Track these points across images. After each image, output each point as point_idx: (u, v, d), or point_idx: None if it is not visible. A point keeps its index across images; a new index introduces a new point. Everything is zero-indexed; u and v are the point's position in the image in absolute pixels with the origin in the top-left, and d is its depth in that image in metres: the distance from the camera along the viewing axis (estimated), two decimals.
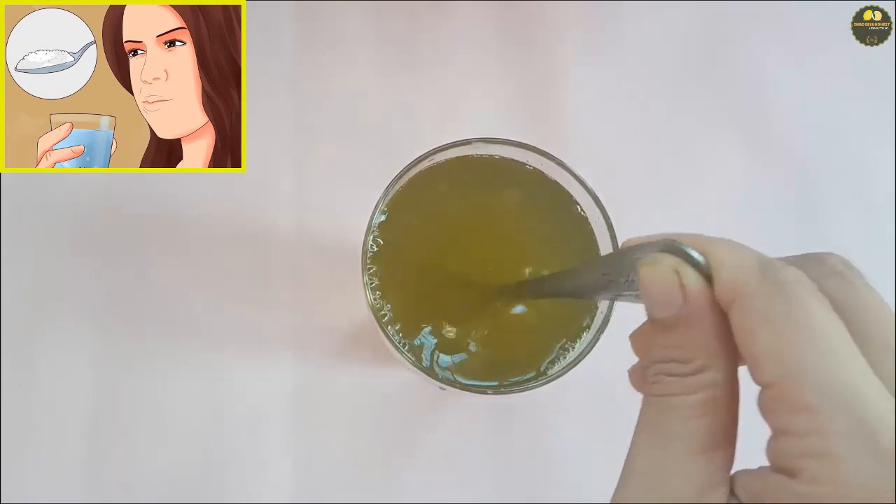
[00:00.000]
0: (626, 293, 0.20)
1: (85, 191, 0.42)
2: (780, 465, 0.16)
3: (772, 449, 0.16)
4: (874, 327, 0.17)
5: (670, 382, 0.18)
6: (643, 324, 0.21)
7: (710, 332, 0.17)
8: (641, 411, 0.19)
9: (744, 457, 0.18)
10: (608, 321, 0.29)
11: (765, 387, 0.16)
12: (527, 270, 0.31)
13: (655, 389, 0.18)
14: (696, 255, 0.18)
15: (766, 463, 0.17)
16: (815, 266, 0.18)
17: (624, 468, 0.18)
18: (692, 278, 0.18)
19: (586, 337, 0.30)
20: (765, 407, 0.16)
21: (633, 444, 0.18)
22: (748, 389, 0.18)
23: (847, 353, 0.16)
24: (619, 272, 0.20)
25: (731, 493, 0.17)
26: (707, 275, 0.18)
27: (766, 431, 0.17)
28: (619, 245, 0.22)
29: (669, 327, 0.18)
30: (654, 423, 0.18)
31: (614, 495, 0.18)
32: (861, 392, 0.15)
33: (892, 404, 0.15)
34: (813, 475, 0.15)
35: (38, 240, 0.41)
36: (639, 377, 0.22)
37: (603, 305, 0.30)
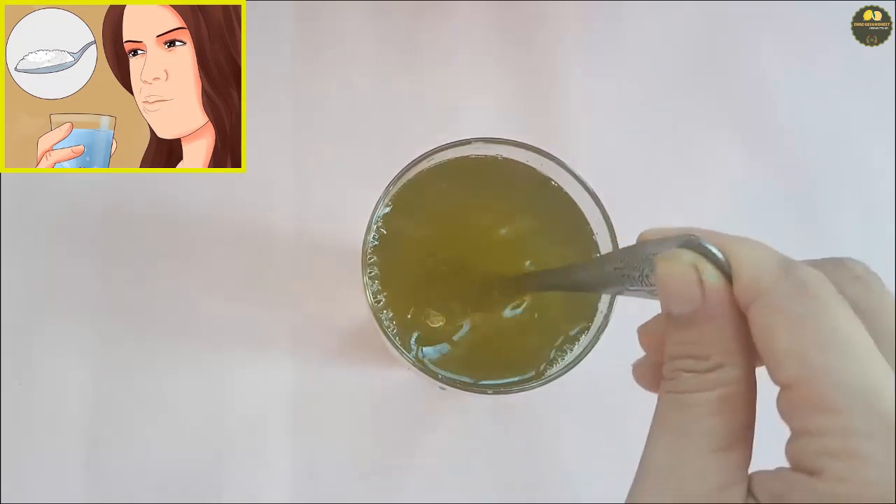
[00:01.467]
0: (639, 288, 0.20)
1: (85, 191, 0.42)
2: (802, 465, 0.16)
3: (792, 449, 0.16)
4: (894, 330, 0.17)
5: (687, 379, 0.18)
6: (653, 318, 0.21)
7: (729, 330, 0.17)
8: (657, 408, 0.19)
9: (758, 459, 0.18)
10: (608, 321, 0.29)
11: (785, 387, 0.16)
12: (527, 270, 0.31)
13: (672, 386, 0.18)
14: (716, 251, 0.18)
15: (781, 464, 0.17)
16: (836, 270, 0.18)
17: (639, 466, 0.18)
18: (712, 275, 0.17)
19: (586, 337, 0.30)
20: (785, 407, 0.16)
21: (648, 441, 0.18)
22: (763, 393, 0.18)
23: (869, 355, 0.16)
24: (633, 266, 0.20)
25: (749, 492, 0.17)
26: (726, 272, 0.18)
27: (781, 434, 0.17)
28: (637, 238, 0.21)
29: (686, 324, 0.18)
30: (671, 420, 0.18)
31: (630, 493, 0.18)
32: (884, 393, 0.15)
33: None
34: (836, 474, 0.15)
35: (38, 240, 0.41)
36: (644, 372, 0.22)
37: (603, 306, 0.30)
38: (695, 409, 0.17)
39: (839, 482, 0.15)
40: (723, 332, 0.17)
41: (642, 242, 0.21)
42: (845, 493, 0.15)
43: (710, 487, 0.17)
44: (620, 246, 0.29)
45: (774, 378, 0.17)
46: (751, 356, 0.17)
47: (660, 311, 0.20)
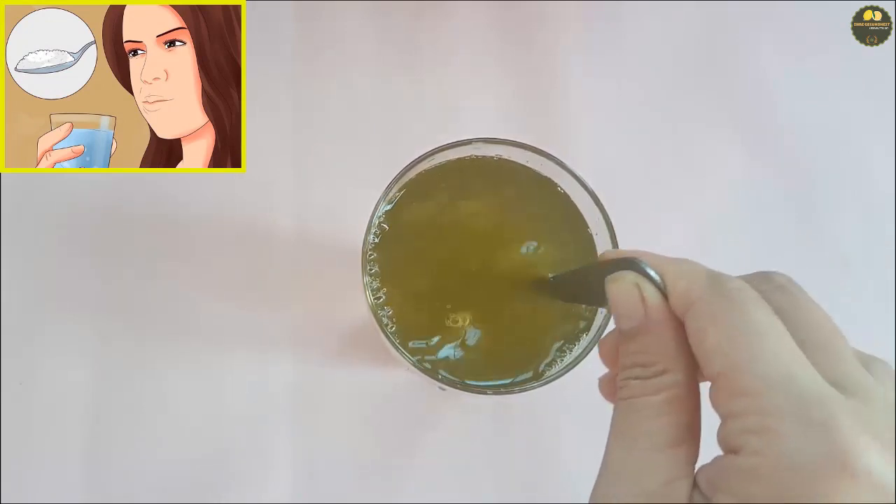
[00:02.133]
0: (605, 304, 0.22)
1: (85, 191, 0.42)
2: (727, 446, 0.17)
3: (720, 433, 0.18)
4: (813, 331, 0.19)
5: (634, 385, 0.20)
6: (608, 333, 0.23)
7: (669, 339, 0.20)
8: (613, 415, 0.21)
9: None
10: (608, 321, 0.29)
11: (713, 380, 0.18)
12: (526, 271, 0.31)
13: (623, 393, 0.20)
14: (652, 272, 0.20)
15: None
16: (762, 281, 0.20)
17: (601, 465, 0.20)
18: (650, 292, 0.20)
19: (586, 337, 0.30)
20: (714, 398, 0.18)
21: (607, 443, 0.20)
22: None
23: (783, 346, 0.18)
24: (598, 283, 0.22)
25: (695, 485, 0.18)
26: (662, 289, 0.20)
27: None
28: (599, 257, 0.24)
29: (633, 336, 0.20)
30: (623, 423, 0.20)
31: (593, 489, 0.20)
32: (795, 375, 0.17)
33: (825, 386, 0.17)
34: (754, 448, 0.16)
35: (38, 240, 0.41)
36: (606, 386, 0.24)
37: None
38: (643, 413, 0.19)
39: (755, 455, 0.16)
40: (664, 341, 0.20)
41: (602, 261, 0.23)
42: (761, 464, 0.16)
43: (659, 482, 0.18)
44: (620, 247, 0.29)
45: (705, 373, 0.19)
46: (691, 363, 0.19)
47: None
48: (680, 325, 0.20)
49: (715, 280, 0.19)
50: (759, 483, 0.16)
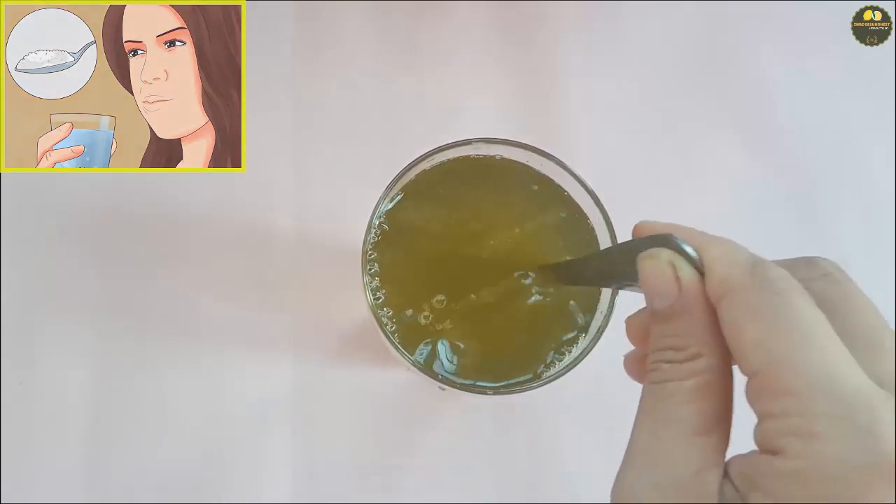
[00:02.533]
0: (633, 283, 0.21)
1: (85, 191, 0.42)
2: (766, 446, 0.17)
3: (758, 432, 0.17)
4: (860, 324, 0.18)
5: (667, 369, 0.19)
6: (639, 311, 0.22)
7: (704, 322, 0.19)
8: (641, 398, 0.20)
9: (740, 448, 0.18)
10: (608, 322, 0.29)
11: (751, 376, 0.17)
12: (525, 271, 0.31)
13: (653, 377, 0.19)
14: (690, 249, 0.19)
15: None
16: (805, 268, 0.19)
17: (626, 451, 0.19)
18: (686, 271, 0.19)
19: (586, 337, 0.30)
20: (751, 395, 0.17)
21: (634, 428, 0.19)
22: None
23: (828, 342, 0.17)
24: (628, 262, 0.21)
25: (725, 475, 0.18)
26: (700, 269, 0.19)
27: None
28: (632, 230, 0.23)
29: (666, 317, 0.19)
30: (653, 408, 0.19)
31: (616, 477, 0.19)
32: (840, 376, 0.16)
33: (872, 388, 0.16)
34: (795, 452, 0.16)
35: (38, 240, 0.41)
36: (633, 364, 0.23)
37: (602, 306, 0.30)
38: (674, 398, 0.18)
39: (796, 458, 0.16)
40: (698, 323, 0.19)
41: (634, 240, 0.22)
42: (802, 468, 0.16)
43: (688, 471, 0.18)
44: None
45: (742, 369, 0.18)
46: (726, 347, 0.18)
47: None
48: (713, 309, 0.19)
49: (757, 267, 0.18)
50: (800, 487, 0.16)
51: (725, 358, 0.19)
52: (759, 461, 0.17)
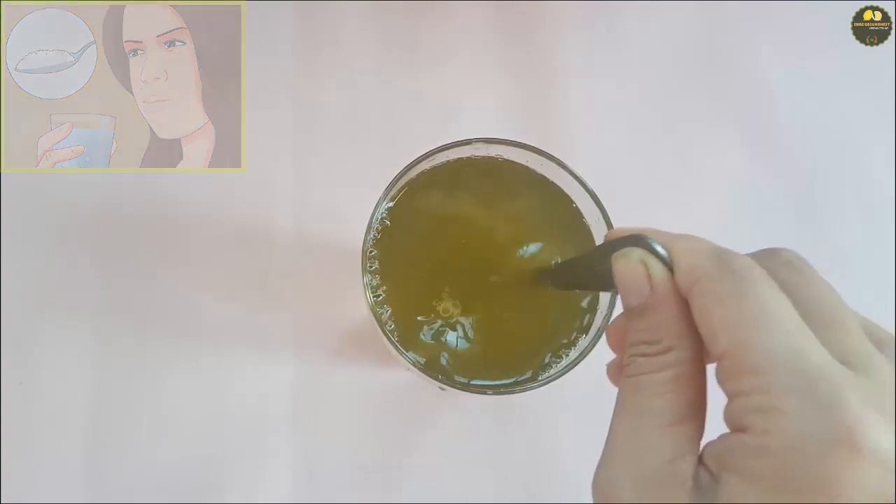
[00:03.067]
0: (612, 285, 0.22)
1: (85, 191, 0.42)
2: (734, 425, 0.17)
3: (727, 412, 0.18)
4: (821, 306, 0.18)
5: (641, 363, 0.20)
6: (617, 317, 0.23)
7: (674, 315, 0.19)
8: (618, 392, 0.21)
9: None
10: (608, 322, 0.29)
11: (720, 358, 0.18)
12: (526, 271, 0.31)
13: (628, 371, 0.20)
14: (659, 248, 0.20)
15: None
16: (769, 258, 0.20)
17: (604, 445, 0.20)
18: (657, 268, 0.20)
19: (586, 337, 0.30)
20: (721, 376, 0.18)
21: (611, 422, 0.20)
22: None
23: (790, 322, 0.17)
24: (604, 264, 0.22)
25: (700, 462, 0.18)
26: (669, 266, 0.20)
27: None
28: (604, 237, 0.24)
29: (639, 313, 0.20)
30: (628, 401, 0.20)
31: (596, 470, 0.20)
32: (803, 354, 0.17)
33: (834, 364, 0.17)
34: (761, 427, 0.16)
35: (38, 240, 0.41)
36: (615, 371, 0.24)
37: (603, 305, 0.30)
38: (648, 390, 0.19)
39: (762, 434, 0.16)
40: (670, 318, 0.19)
41: (608, 241, 0.23)
42: (768, 443, 0.16)
43: (663, 460, 0.18)
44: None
45: (711, 352, 0.18)
46: (698, 340, 0.19)
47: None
48: (686, 303, 0.19)
49: (721, 257, 0.19)
50: (766, 461, 0.16)
51: (697, 351, 0.19)
52: (729, 440, 0.17)
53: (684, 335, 0.19)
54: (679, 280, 0.19)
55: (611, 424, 0.20)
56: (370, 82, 0.45)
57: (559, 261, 0.30)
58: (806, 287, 0.19)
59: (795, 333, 0.17)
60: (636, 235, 0.21)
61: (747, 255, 0.20)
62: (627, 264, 0.20)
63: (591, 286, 0.28)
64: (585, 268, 0.26)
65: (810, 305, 0.18)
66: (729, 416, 0.18)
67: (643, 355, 0.20)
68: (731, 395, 0.18)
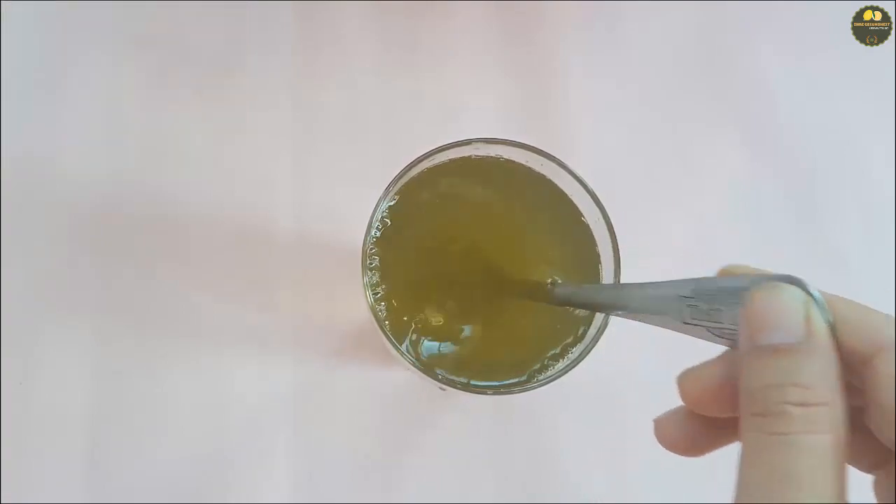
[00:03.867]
0: (698, 322, 0.19)
1: (85, 191, 0.42)
2: None
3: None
4: None
5: (796, 416, 0.16)
6: (704, 364, 0.20)
7: (833, 368, 0.17)
8: (748, 440, 0.17)
9: None
10: (608, 322, 0.28)
11: None
12: (526, 271, 0.31)
13: (776, 425, 0.16)
14: (817, 294, 0.17)
15: None
16: None
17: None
18: (819, 318, 0.17)
19: (586, 338, 0.30)
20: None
21: (743, 483, 0.16)
22: None
23: None
24: (708, 299, 0.19)
25: None
26: (826, 318, 0.17)
27: None
28: (717, 272, 0.21)
29: (783, 352, 0.17)
30: (774, 462, 0.16)
31: None
32: None
33: None
34: None
35: (38, 239, 0.41)
36: (673, 430, 0.20)
37: None
38: (807, 454, 0.16)
39: None
40: (828, 368, 0.16)
41: (721, 276, 0.20)
42: None
43: None
44: (618, 245, 0.29)
45: (883, 434, 0.16)
46: (846, 409, 0.16)
47: (699, 359, 0.19)
48: (841, 363, 0.17)
49: None
50: None
51: (849, 422, 0.16)
52: None
53: (840, 395, 0.16)
54: (855, 344, 0.17)
55: (740, 485, 0.16)
56: (370, 82, 0.45)
57: (563, 285, 0.29)
58: None
59: None
60: (792, 276, 0.18)
61: None
62: (781, 298, 0.17)
63: (645, 315, 0.24)
64: (661, 297, 0.22)
65: None
66: None
67: (801, 404, 0.16)
68: None
